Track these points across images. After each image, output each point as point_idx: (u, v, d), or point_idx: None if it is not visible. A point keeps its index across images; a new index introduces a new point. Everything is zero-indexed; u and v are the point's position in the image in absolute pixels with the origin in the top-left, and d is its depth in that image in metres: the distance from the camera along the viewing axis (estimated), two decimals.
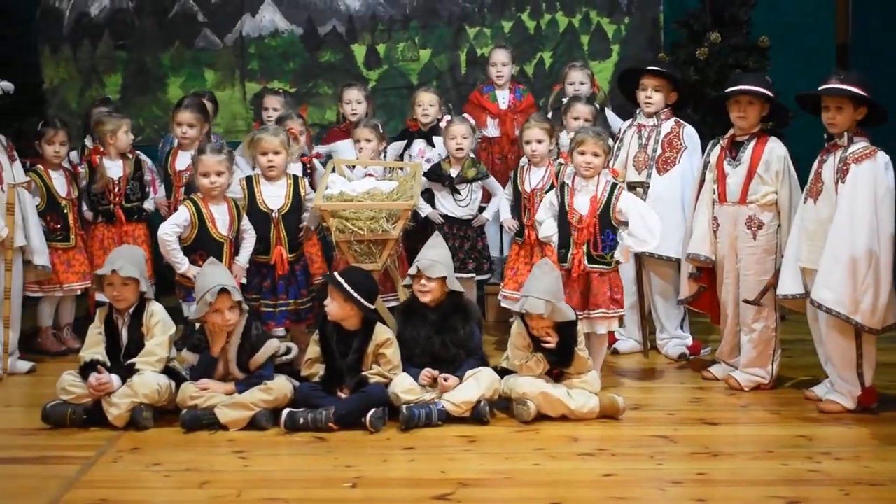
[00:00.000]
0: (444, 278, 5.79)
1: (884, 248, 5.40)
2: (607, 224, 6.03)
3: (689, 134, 6.64)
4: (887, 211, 5.41)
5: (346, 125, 7.70)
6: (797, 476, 4.77)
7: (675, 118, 6.74)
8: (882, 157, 5.41)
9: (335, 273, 5.77)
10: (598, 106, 7.55)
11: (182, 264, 6.25)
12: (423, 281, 5.77)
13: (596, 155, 6.06)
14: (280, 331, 6.71)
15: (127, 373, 5.56)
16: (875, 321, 5.41)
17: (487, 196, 7.26)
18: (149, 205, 7.30)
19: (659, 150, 6.63)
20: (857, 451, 5.11)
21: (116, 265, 5.70)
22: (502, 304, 6.88)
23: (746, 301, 6.03)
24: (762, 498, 4.48)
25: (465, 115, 7.63)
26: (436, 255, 5.86)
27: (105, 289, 5.79)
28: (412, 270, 5.83)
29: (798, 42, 8.64)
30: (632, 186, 6.52)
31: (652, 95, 6.73)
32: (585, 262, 6.01)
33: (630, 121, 6.95)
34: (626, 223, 6.00)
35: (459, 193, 7.15)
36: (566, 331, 5.56)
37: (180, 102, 7.58)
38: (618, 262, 6.08)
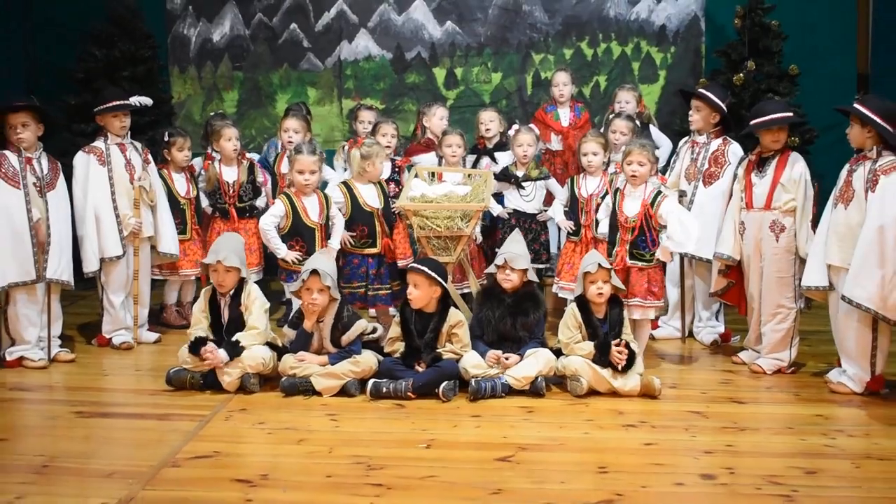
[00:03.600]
0: (525, 270, 5.81)
1: None
2: (650, 226, 6.02)
3: (734, 152, 6.49)
4: None
5: (426, 140, 7.72)
6: (814, 450, 4.72)
7: (724, 137, 6.62)
8: None
9: (415, 264, 5.80)
10: (636, 121, 7.50)
11: (280, 250, 6.35)
12: (507, 271, 5.79)
13: (641, 164, 6.07)
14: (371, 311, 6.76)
15: (232, 347, 5.63)
16: None
17: (550, 199, 7.21)
18: (261, 202, 7.35)
19: (706, 165, 6.55)
20: (867, 429, 5.03)
21: (221, 255, 5.76)
22: (559, 295, 6.85)
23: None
24: (783, 468, 4.44)
25: (531, 125, 7.60)
26: (519, 249, 5.90)
27: (210, 275, 5.86)
28: (499, 261, 5.85)
29: (824, 70, 8.51)
30: (681, 194, 6.52)
31: (693, 115, 6.69)
32: (627, 257, 6.01)
33: (687, 137, 6.89)
34: (665, 227, 5.98)
35: (525, 189, 7.13)
36: (633, 355, 5.60)
37: (286, 112, 7.68)
38: (658, 261, 6.06)
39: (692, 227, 5.94)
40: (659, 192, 6.09)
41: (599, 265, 5.66)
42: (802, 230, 5.87)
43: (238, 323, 5.81)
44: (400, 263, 6.65)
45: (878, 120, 5.38)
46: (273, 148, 7.97)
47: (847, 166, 5.58)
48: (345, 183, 6.61)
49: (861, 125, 5.46)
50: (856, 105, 5.50)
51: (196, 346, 5.63)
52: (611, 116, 7.51)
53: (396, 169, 7.36)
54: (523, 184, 7.11)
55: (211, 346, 5.60)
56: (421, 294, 5.68)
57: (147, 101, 6.96)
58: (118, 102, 6.60)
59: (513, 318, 5.80)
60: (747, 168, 6.06)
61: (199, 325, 5.83)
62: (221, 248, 5.84)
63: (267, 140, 8.70)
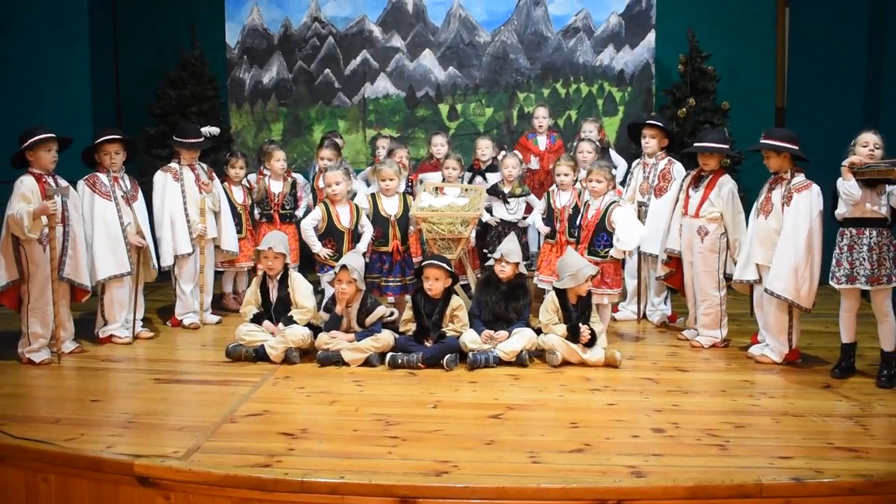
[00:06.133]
0: (517, 263, 5.83)
1: (816, 253, 5.37)
2: (602, 229, 6.04)
3: (678, 169, 6.53)
4: (819, 227, 5.36)
5: (434, 162, 7.71)
6: (742, 408, 4.70)
7: (668, 158, 6.65)
8: (816, 188, 5.36)
9: (434, 261, 5.75)
10: (603, 147, 7.50)
11: (315, 246, 6.37)
12: (503, 264, 5.79)
13: (599, 181, 6.09)
14: (390, 298, 6.73)
15: (289, 321, 5.74)
16: (809, 303, 5.39)
17: (529, 209, 7.18)
18: (299, 213, 7.33)
19: (656, 181, 6.56)
20: (785, 392, 5.02)
21: (271, 244, 5.86)
22: (539, 286, 6.82)
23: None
24: (718, 423, 4.42)
25: (515, 151, 7.61)
26: (513, 247, 5.91)
27: (261, 261, 5.92)
28: (496, 255, 5.87)
29: (750, 105, 8.50)
30: (640, 205, 6.53)
31: (649, 141, 6.67)
32: (586, 254, 6.02)
33: (639, 159, 6.89)
34: (614, 231, 6.00)
35: (510, 204, 7.10)
36: (594, 337, 5.60)
37: (322, 143, 7.67)
38: (612, 257, 6.05)
39: (637, 230, 5.99)
40: (612, 203, 6.09)
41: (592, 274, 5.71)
42: (735, 235, 5.84)
43: (284, 302, 5.86)
44: (415, 260, 6.64)
45: (789, 145, 5.40)
46: (312, 169, 7.96)
47: (766, 185, 5.59)
48: (372, 194, 6.63)
49: (776, 154, 5.45)
50: (765, 141, 5.50)
51: (257, 320, 5.84)
52: (576, 143, 7.51)
53: (410, 183, 7.36)
54: (509, 200, 7.09)
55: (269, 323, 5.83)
56: (440, 284, 5.66)
57: (216, 130, 7.06)
58: (194, 140, 6.66)
59: (506, 302, 5.79)
60: (689, 182, 6.06)
61: (250, 305, 5.93)
62: (271, 239, 5.95)
63: (307, 162, 8.73)
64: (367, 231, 6.41)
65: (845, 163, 5.00)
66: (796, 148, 5.42)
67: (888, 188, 4.98)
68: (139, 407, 4.73)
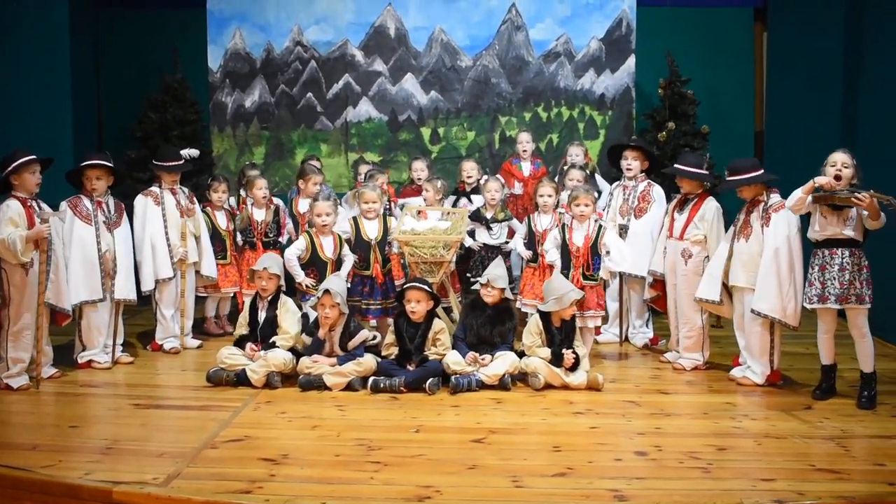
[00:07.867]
0: (503, 288, 5.82)
1: (798, 270, 5.42)
2: (595, 253, 6.05)
3: (657, 191, 6.62)
4: (798, 244, 5.42)
5: (416, 187, 7.73)
6: (724, 431, 4.71)
7: (648, 180, 6.72)
8: None
9: (416, 283, 5.76)
10: (588, 172, 7.54)
11: (299, 276, 6.33)
12: (489, 288, 5.79)
13: (587, 205, 6.11)
14: (372, 321, 6.71)
15: (270, 346, 5.74)
16: (796, 321, 5.43)
17: (511, 233, 7.20)
18: (282, 240, 7.33)
19: (636, 203, 6.61)
20: (766, 413, 5.04)
21: (267, 264, 5.90)
22: (522, 309, 6.83)
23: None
24: (700, 445, 4.43)
25: (498, 175, 7.64)
26: (500, 272, 5.91)
27: (256, 281, 5.94)
28: (483, 280, 5.88)
29: (729, 129, 8.60)
30: (620, 227, 6.56)
31: (631, 164, 6.72)
32: (581, 279, 6.00)
33: (618, 182, 6.94)
34: (608, 252, 6.00)
35: (492, 229, 7.12)
36: (578, 360, 5.60)
37: (305, 170, 7.51)
38: (602, 279, 6.07)
39: (626, 252, 6.04)
40: (601, 226, 6.11)
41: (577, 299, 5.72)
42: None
43: (272, 324, 5.87)
44: (397, 283, 6.63)
45: (754, 174, 5.52)
46: (292, 194, 7.94)
47: (744, 208, 5.65)
48: (354, 217, 6.61)
49: (747, 184, 5.53)
50: (731, 179, 5.59)
51: (241, 342, 5.85)
52: (566, 167, 7.55)
53: (389, 204, 7.39)
54: (491, 225, 7.11)
55: (252, 345, 5.81)
56: (422, 306, 5.67)
57: (195, 152, 7.04)
58: (174, 163, 6.66)
59: (491, 325, 5.80)
60: (674, 205, 6.13)
61: (242, 328, 5.95)
62: (266, 260, 6.01)
63: (288, 186, 8.72)
64: (349, 259, 6.41)
65: (816, 179, 5.07)
66: (762, 172, 5.51)
67: (855, 212, 5.04)
68: (118, 433, 4.68)
